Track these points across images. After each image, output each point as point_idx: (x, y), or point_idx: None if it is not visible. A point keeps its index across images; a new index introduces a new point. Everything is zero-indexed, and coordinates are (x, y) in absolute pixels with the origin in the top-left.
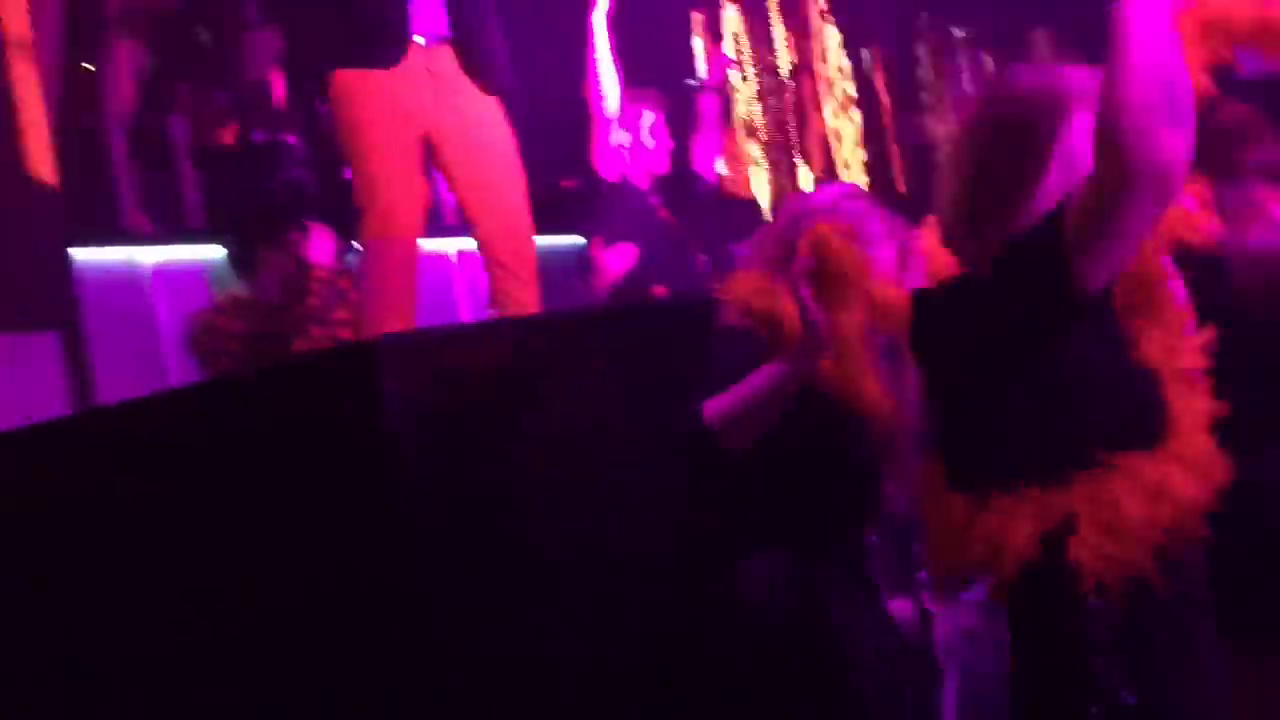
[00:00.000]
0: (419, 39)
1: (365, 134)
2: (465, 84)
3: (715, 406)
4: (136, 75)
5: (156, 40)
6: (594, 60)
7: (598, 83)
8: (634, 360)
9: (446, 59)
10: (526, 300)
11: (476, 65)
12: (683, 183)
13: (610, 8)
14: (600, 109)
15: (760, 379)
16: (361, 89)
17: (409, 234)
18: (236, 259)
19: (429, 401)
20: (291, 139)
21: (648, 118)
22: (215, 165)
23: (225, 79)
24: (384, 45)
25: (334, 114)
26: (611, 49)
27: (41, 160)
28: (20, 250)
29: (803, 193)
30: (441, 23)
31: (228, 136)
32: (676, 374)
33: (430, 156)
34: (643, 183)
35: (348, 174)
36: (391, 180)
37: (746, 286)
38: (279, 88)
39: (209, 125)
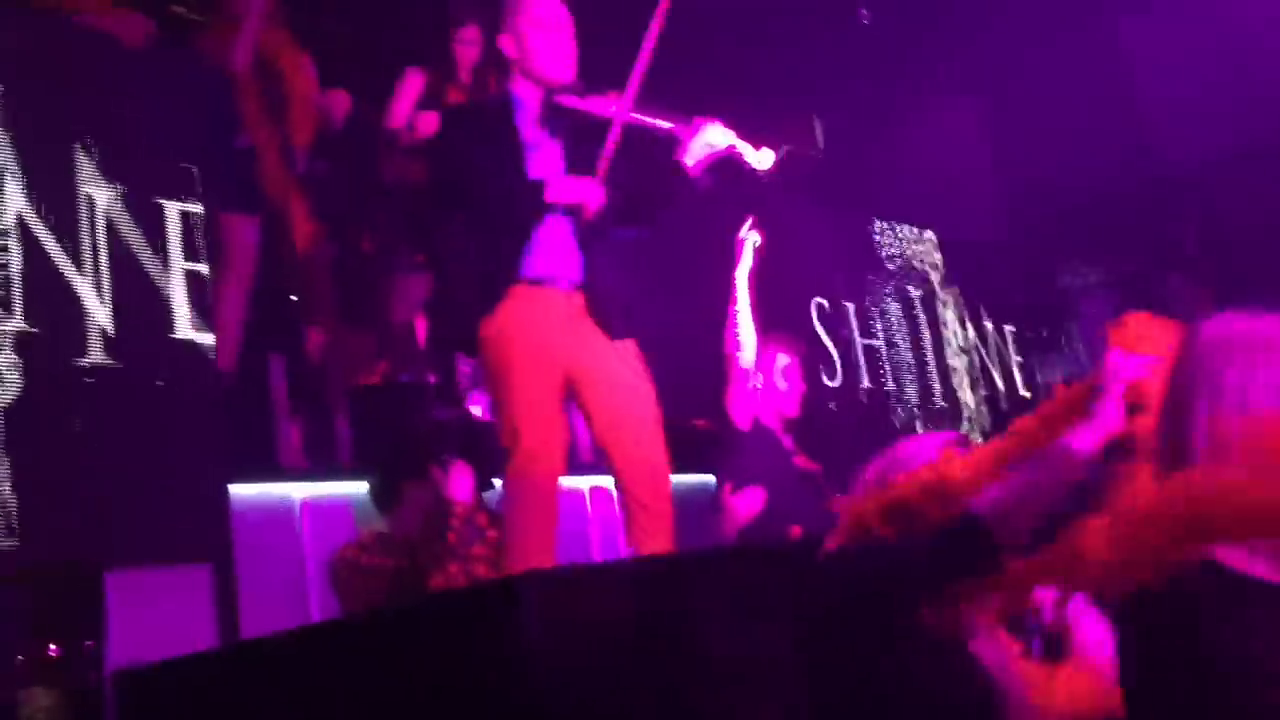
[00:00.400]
0: (557, 284)
1: (511, 376)
2: (600, 336)
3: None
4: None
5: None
6: (734, 313)
7: (736, 335)
8: (765, 599)
9: (582, 303)
10: (662, 538)
11: (607, 310)
12: (815, 425)
13: (753, 266)
14: (737, 359)
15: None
16: (512, 330)
17: (551, 473)
18: (379, 494)
19: (569, 638)
20: (433, 379)
21: (782, 360)
22: (363, 404)
23: (376, 322)
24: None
25: (482, 353)
26: (752, 304)
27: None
28: (183, 486)
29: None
30: (576, 269)
31: (375, 376)
32: (808, 611)
33: (570, 395)
34: (773, 424)
35: (486, 414)
36: (535, 421)
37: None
38: (421, 329)
39: (359, 366)
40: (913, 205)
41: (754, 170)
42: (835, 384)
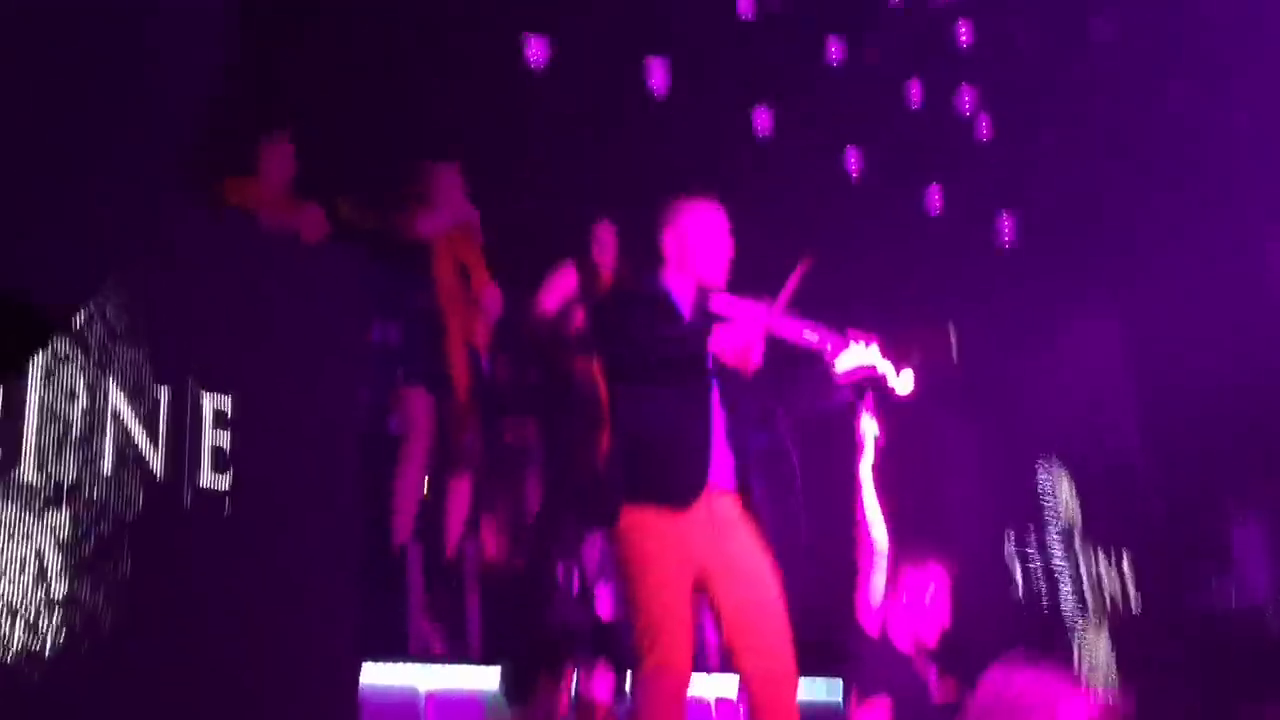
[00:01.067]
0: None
1: (648, 572)
2: (740, 531)
3: None
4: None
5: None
6: (862, 509)
7: (867, 532)
8: None
9: (728, 505)
10: None
11: (755, 515)
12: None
13: (875, 460)
14: (868, 561)
15: None
16: (649, 527)
17: (682, 683)
18: (512, 688)
19: None
20: (560, 569)
21: (932, 587)
22: (500, 592)
23: (515, 510)
24: (682, 488)
25: (617, 548)
26: (879, 500)
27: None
28: (317, 665)
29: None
30: (728, 475)
31: (514, 564)
32: None
33: (701, 597)
34: (906, 647)
35: (608, 607)
36: (670, 621)
37: None
38: (567, 522)
39: (498, 551)
40: (1044, 427)
41: (894, 392)
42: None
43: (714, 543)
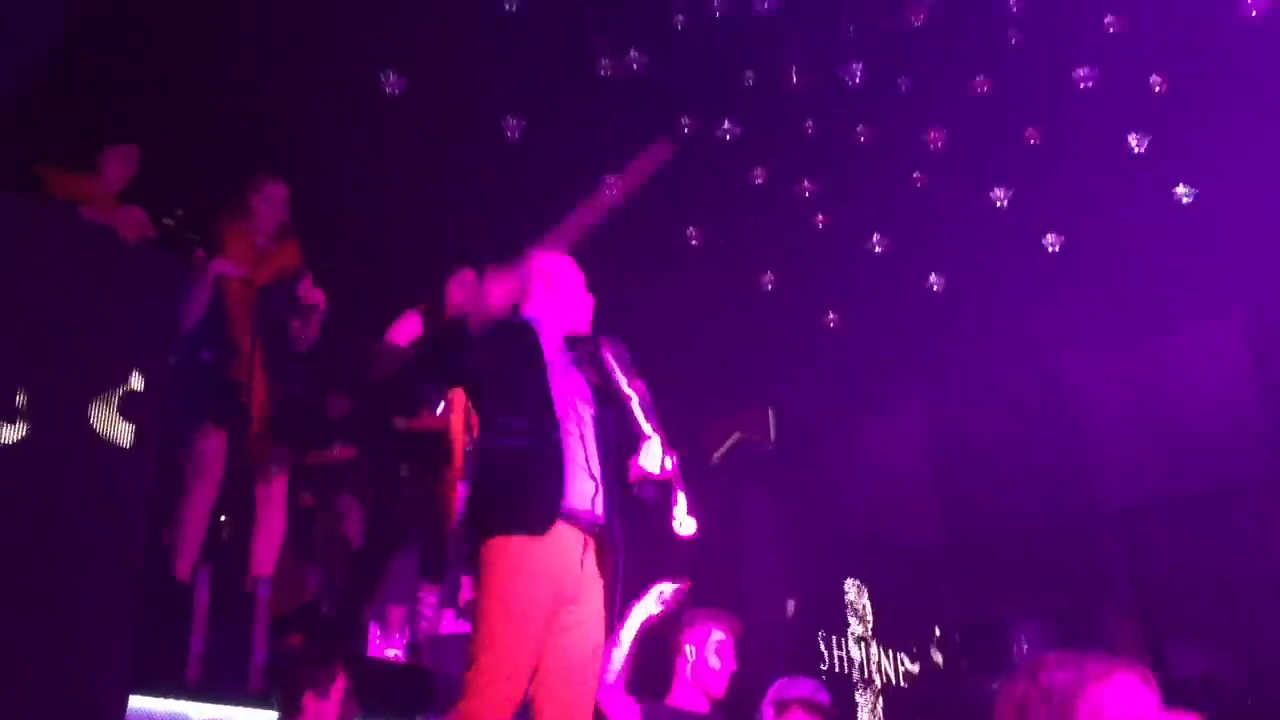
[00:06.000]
0: (579, 522)
1: (512, 618)
2: (595, 583)
3: None
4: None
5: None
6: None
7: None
8: None
9: (592, 550)
10: None
11: (615, 558)
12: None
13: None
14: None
15: None
16: (528, 569)
17: None
18: (281, 703)
19: None
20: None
21: (716, 636)
22: (291, 630)
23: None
24: (541, 515)
25: (484, 577)
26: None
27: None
28: (82, 693)
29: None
30: (601, 507)
31: (300, 604)
32: None
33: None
34: (699, 704)
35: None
36: (519, 674)
37: None
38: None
39: (293, 595)
40: (857, 507)
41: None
42: None
43: (575, 591)
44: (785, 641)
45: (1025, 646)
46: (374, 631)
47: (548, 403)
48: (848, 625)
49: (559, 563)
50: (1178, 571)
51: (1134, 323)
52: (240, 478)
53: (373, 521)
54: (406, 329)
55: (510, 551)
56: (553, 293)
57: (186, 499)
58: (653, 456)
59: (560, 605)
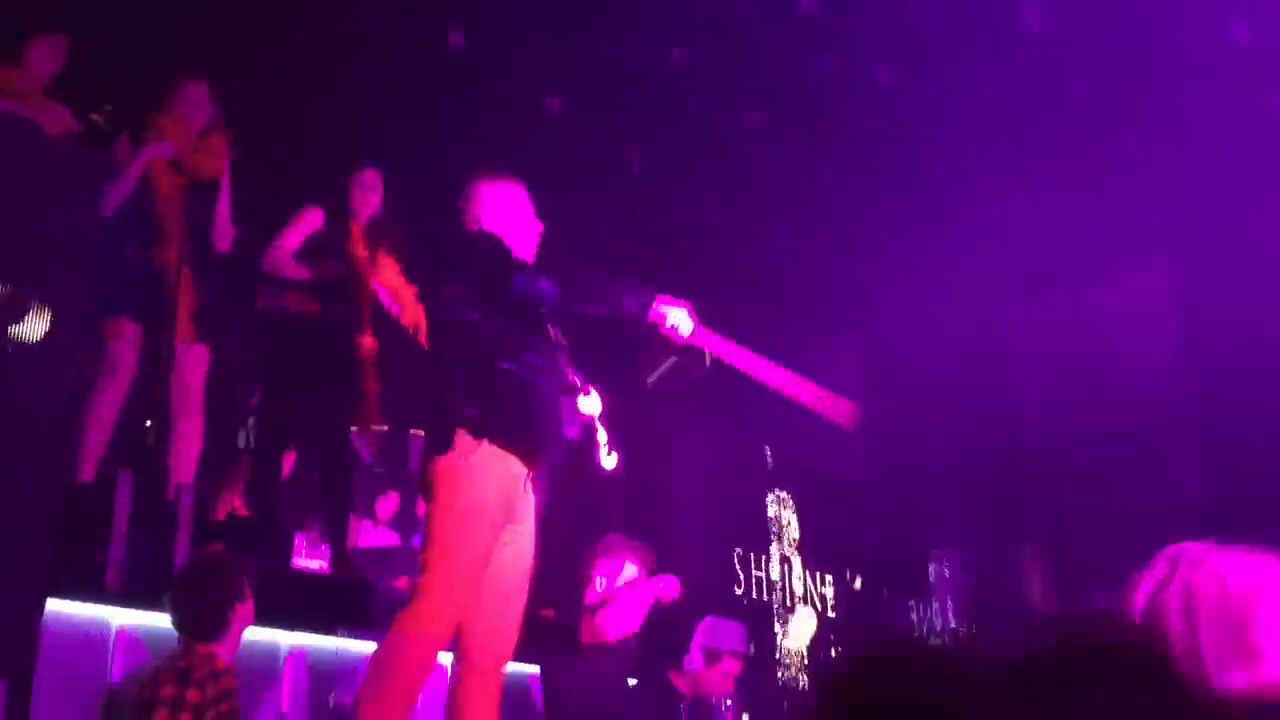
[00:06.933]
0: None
1: (477, 528)
2: (530, 504)
3: None
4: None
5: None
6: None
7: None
8: None
9: (543, 475)
10: (492, 704)
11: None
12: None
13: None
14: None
15: None
16: (485, 483)
17: (443, 644)
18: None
19: None
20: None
21: (629, 570)
22: (208, 537)
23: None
24: (539, 443)
25: (451, 481)
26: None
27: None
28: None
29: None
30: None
31: (222, 513)
32: None
33: None
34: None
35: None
36: (472, 586)
37: None
38: (288, 464)
39: (213, 501)
40: (786, 437)
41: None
42: None
43: (521, 508)
44: (704, 562)
45: (947, 573)
46: (299, 543)
47: (548, 336)
48: (769, 544)
49: (514, 483)
50: (1091, 507)
51: (1067, 273)
52: (161, 381)
53: (270, 423)
54: (305, 226)
55: (490, 463)
56: (504, 221)
57: (95, 396)
58: (594, 402)
59: (508, 521)
